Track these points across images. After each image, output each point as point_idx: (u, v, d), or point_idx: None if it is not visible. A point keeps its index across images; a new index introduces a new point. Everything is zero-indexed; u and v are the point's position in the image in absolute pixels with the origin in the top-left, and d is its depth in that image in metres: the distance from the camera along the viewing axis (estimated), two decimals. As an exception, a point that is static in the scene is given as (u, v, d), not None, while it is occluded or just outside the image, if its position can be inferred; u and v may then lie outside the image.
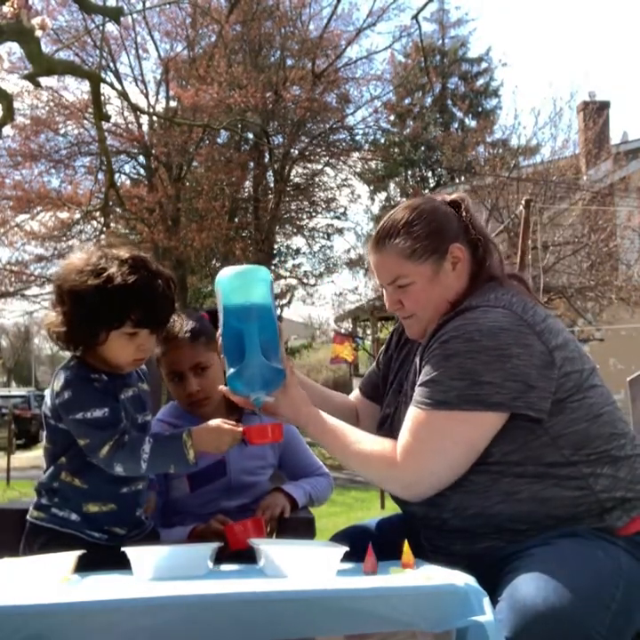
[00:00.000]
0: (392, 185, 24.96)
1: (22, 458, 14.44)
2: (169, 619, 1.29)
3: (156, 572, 1.51)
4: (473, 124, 24.83)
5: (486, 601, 1.37)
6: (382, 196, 25.02)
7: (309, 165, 19.34)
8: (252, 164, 18.13)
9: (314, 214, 19.94)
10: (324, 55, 17.69)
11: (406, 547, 1.53)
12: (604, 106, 17.48)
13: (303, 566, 1.48)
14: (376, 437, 1.81)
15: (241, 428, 1.80)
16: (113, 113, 14.91)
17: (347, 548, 1.52)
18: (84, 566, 1.56)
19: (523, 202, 9.80)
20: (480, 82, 26.95)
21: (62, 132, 16.78)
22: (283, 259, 20.32)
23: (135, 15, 14.72)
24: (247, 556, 1.72)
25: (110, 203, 11.70)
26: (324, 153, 18.94)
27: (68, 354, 1.90)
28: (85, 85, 11.62)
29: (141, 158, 17.59)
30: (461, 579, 1.41)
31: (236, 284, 1.74)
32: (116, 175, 15.65)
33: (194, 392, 2.21)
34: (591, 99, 17.28)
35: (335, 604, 1.36)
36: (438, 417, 1.68)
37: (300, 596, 1.36)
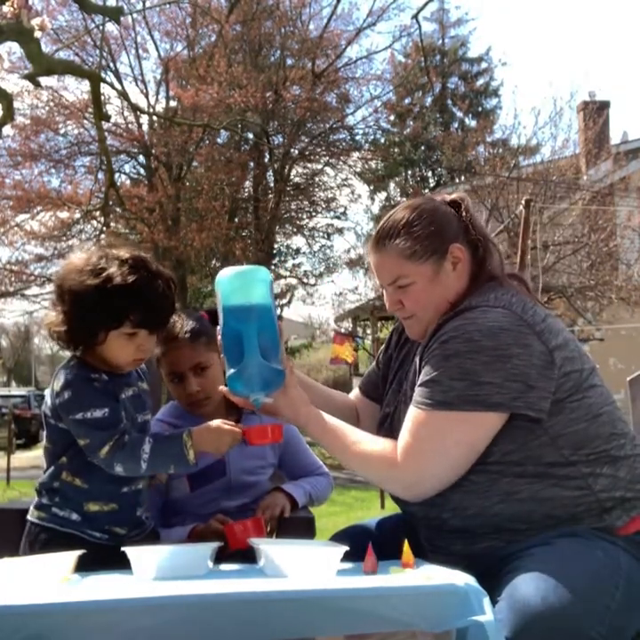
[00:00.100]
0: (392, 185, 24.98)
1: (22, 458, 14.44)
2: (169, 619, 1.30)
3: (156, 571, 1.51)
4: (473, 123, 24.83)
5: (486, 601, 1.37)
6: (382, 195, 25.05)
7: (309, 165, 19.35)
8: (251, 163, 18.13)
9: (314, 214, 19.95)
10: (323, 55, 17.69)
11: (406, 547, 1.53)
12: (604, 106, 17.47)
13: (303, 566, 1.48)
14: (376, 438, 1.81)
15: (241, 429, 1.80)
16: (113, 113, 14.93)
17: (347, 548, 1.52)
18: (84, 566, 1.57)
19: (523, 202, 9.78)
20: (480, 82, 26.94)
21: (62, 131, 16.79)
22: (283, 258, 20.36)
23: (135, 15, 14.71)
24: (247, 556, 1.73)
25: (110, 202, 11.71)
26: (323, 153, 18.94)
27: (68, 354, 1.90)
28: (85, 85, 11.62)
29: (141, 158, 17.59)
30: (461, 578, 1.41)
31: (236, 284, 1.74)
32: (116, 175, 15.66)
33: (194, 392, 2.21)
34: (591, 98, 17.28)
35: (335, 603, 1.36)
36: (438, 417, 1.68)
37: (299, 596, 1.36)
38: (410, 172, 24.73)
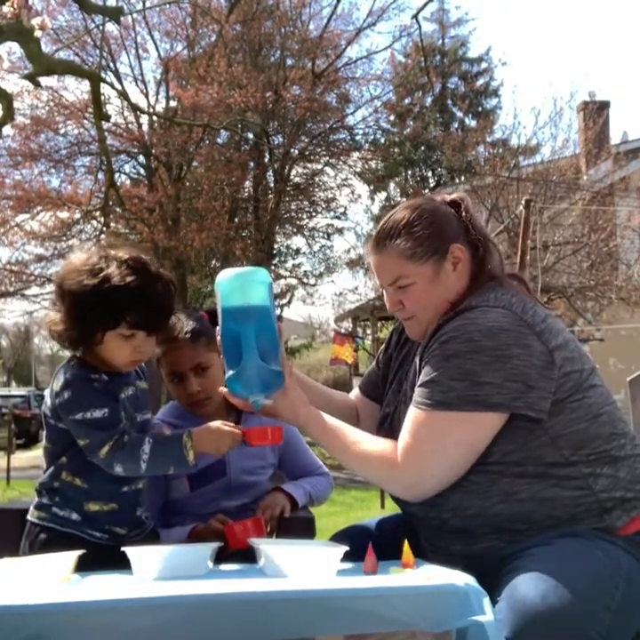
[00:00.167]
0: (392, 185, 24.98)
1: (22, 458, 14.44)
2: (169, 619, 1.30)
3: (156, 571, 1.51)
4: (473, 123, 24.82)
5: (486, 601, 1.37)
6: (382, 195, 25.04)
7: (309, 165, 19.35)
8: (252, 163, 18.13)
9: (314, 214, 19.95)
10: (324, 55, 17.69)
11: (406, 547, 1.53)
12: (604, 106, 17.47)
13: (303, 566, 1.48)
14: (376, 438, 1.81)
15: (241, 430, 1.80)
16: (113, 113, 14.93)
17: (347, 548, 1.52)
18: (84, 566, 1.56)
19: (523, 202, 9.78)
20: (480, 82, 26.94)
21: (62, 131, 16.79)
22: (283, 258, 20.36)
23: (135, 15, 14.72)
24: (247, 556, 1.73)
25: (110, 202, 11.71)
26: (324, 153, 18.94)
27: (68, 354, 1.90)
28: (85, 85, 11.62)
29: (141, 158, 17.59)
30: (461, 578, 1.41)
31: (235, 285, 1.74)
32: (116, 175, 15.66)
33: (195, 392, 2.21)
34: (591, 98, 17.27)
35: (335, 603, 1.36)
36: (438, 417, 1.68)
37: (300, 595, 1.36)
38: (410, 172, 24.73)
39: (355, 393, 2.22)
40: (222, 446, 1.80)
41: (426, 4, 9.22)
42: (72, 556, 1.56)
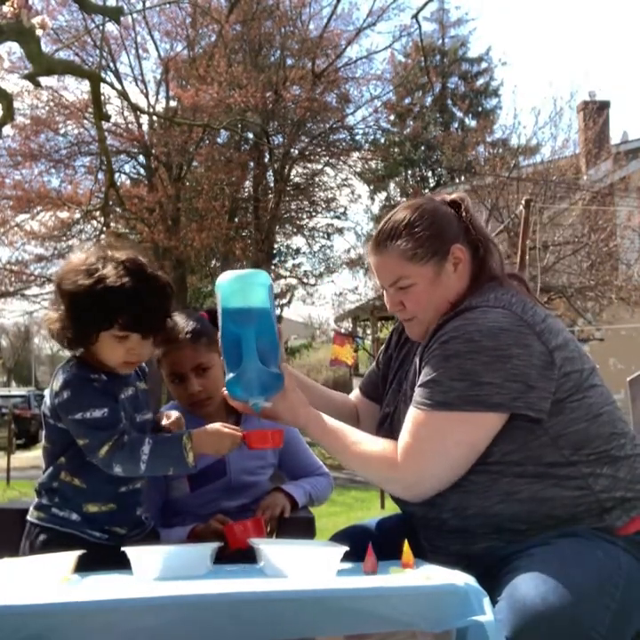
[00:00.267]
0: (392, 185, 24.98)
1: (22, 458, 14.43)
2: (169, 619, 1.30)
3: (156, 571, 1.51)
4: (473, 123, 24.82)
5: (486, 601, 1.37)
6: (382, 195, 25.04)
7: (309, 165, 19.34)
8: (252, 163, 18.12)
9: (314, 214, 19.94)
10: (323, 55, 17.68)
11: (406, 547, 1.53)
12: (604, 106, 17.47)
13: (303, 566, 1.48)
14: (376, 438, 1.81)
15: (241, 432, 1.80)
16: (113, 113, 14.92)
17: (347, 548, 1.52)
18: (84, 566, 1.56)
19: (523, 202, 9.77)
20: (480, 81, 26.95)
21: (62, 131, 16.78)
22: (283, 258, 20.36)
23: (135, 15, 14.72)
24: (247, 556, 1.73)
25: (110, 202, 11.69)
26: (324, 153, 18.93)
27: (68, 354, 1.90)
28: (85, 85, 11.62)
29: (141, 158, 17.59)
30: (461, 578, 1.41)
31: (235, 287, 1.74)
32: (116, 175, 15.65)
33: (196, 393, 2.21)
34: (591, 98, 17.27)
35: (335, 603, 1.36)
36: (438, 418, 1.68)
37: (300, 595, 1.36)
38: (410, 172, 24.73)
39: (355, 394, 2.22)
40: (222, 448, 1.80)
41: (426, 4, 9.23)
42: (72, 556, 1.56)
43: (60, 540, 1.78)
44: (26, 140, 16.27)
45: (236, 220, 18.40)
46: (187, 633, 1.30)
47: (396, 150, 21.60)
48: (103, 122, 8.72)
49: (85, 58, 15.67)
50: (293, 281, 20.40)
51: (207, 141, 17.19)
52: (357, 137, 19.38)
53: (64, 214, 16.82)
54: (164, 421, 1.98)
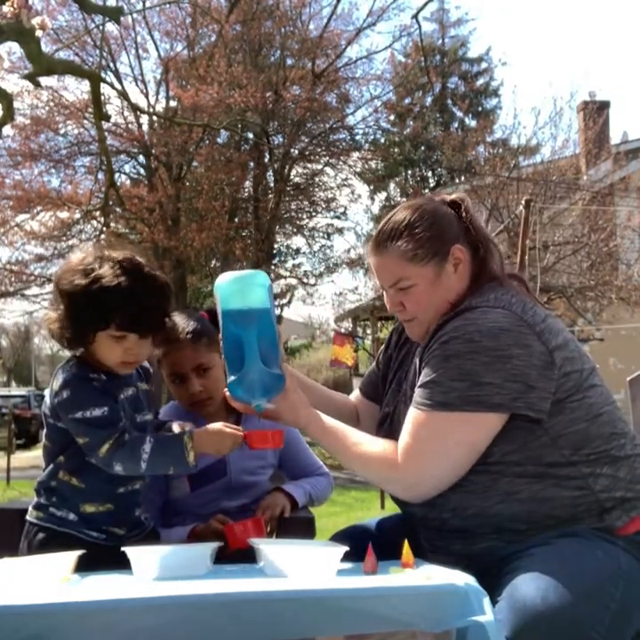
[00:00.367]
0: (392, 185, 24.99)
1: (22, 458, 14.43)
2: (169, 619, 1.30)
3: (155, 571, 1.51)
4: (473, 123, 24.82)
5: (486, 601, 1.37)
6: (382, 195, 25.05)
7: (309, 165, 19.34)
8: (252, 163, 18.11)
9: (314, 214, 19.94)
10: (323, 55, 17.68)
11: (406, 547, 1.53)
12: (604, 106, 17.47)
13: (303, 566, 1.48)
14: (376, 439, 1.81)
15: (242, 432, 1.80)
16: (113, 113, 14.92)
17: (347, 548, 1.52)
18: (83, 566, 1.56)
19: (523, 202, 9.77)
20: (480, 81, 26.95)
21: (62, 131, 16.78)
22: (283, 258, 20.34)
23: (135, 15, 14.71)
24: (247, 556, 1.72)
25: (110, 202, 11.70)
26: (324, 153, 18.93)
27: (68, 354, 1.90)
28: (85, 85, 11.62)
29: (141, 158, 17.58)
30: (461, 578, 1.41)
31: (235, 288, 1.74)
32: (116, 175, 15.65)
33: (196, 393, 2.21)
34: (591, 98, 17.27)
35: (335, 603, 1.36)
36: (439, 418, 1.68)
37: (300, 595, 1.36)
38: (410, 172, 24.73)
39: (355, 394, 2.22)
40: (223, 448, 1.80)
41: (426, 4, 9.24)
42: (72, 556, 1.56)
43: (57, 540, 1.78)
44: (26, 139, 16.27)
45: (236, 220, 18.40)
46: (187, 633, 1.30)
47: (396, 150, 21.61)
48: (103, 122, 8.72)
49: (85, 58, 15.68)
50: (293, 281, 20.40)
51: (207, 141, 17.19)
52: (357, 137, 19.40)
53: (64, 214, 16.83)
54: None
